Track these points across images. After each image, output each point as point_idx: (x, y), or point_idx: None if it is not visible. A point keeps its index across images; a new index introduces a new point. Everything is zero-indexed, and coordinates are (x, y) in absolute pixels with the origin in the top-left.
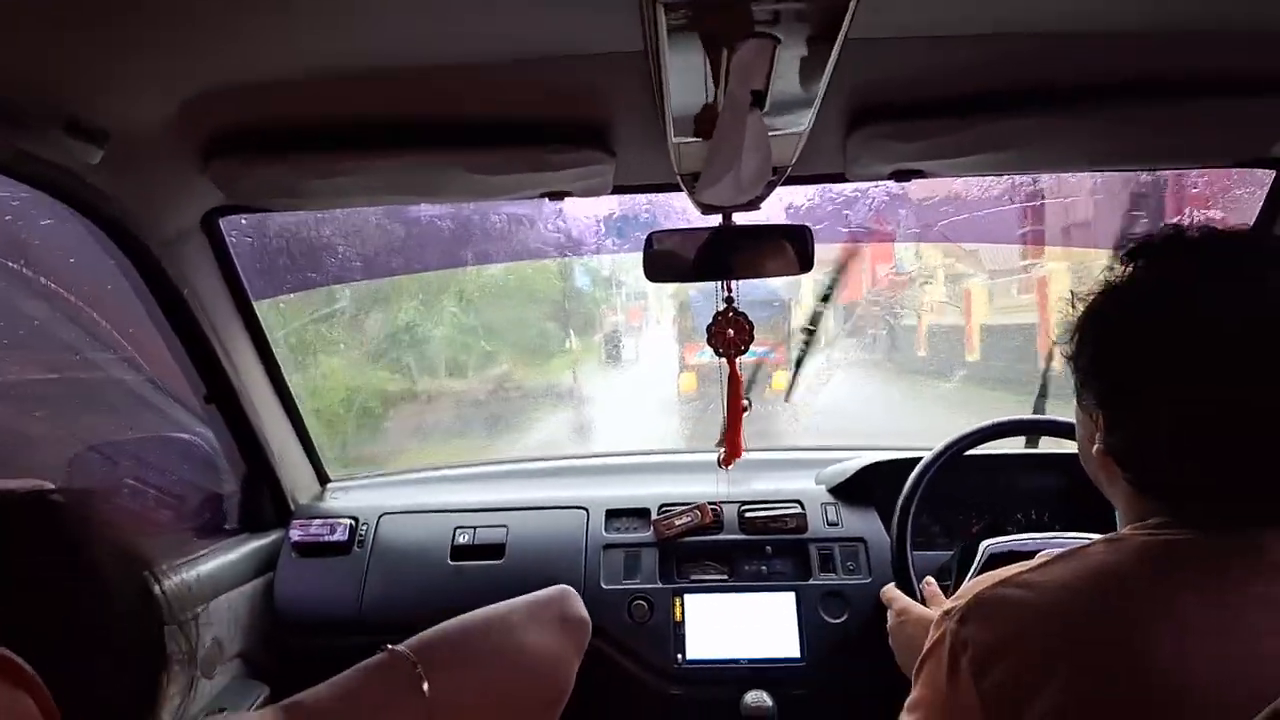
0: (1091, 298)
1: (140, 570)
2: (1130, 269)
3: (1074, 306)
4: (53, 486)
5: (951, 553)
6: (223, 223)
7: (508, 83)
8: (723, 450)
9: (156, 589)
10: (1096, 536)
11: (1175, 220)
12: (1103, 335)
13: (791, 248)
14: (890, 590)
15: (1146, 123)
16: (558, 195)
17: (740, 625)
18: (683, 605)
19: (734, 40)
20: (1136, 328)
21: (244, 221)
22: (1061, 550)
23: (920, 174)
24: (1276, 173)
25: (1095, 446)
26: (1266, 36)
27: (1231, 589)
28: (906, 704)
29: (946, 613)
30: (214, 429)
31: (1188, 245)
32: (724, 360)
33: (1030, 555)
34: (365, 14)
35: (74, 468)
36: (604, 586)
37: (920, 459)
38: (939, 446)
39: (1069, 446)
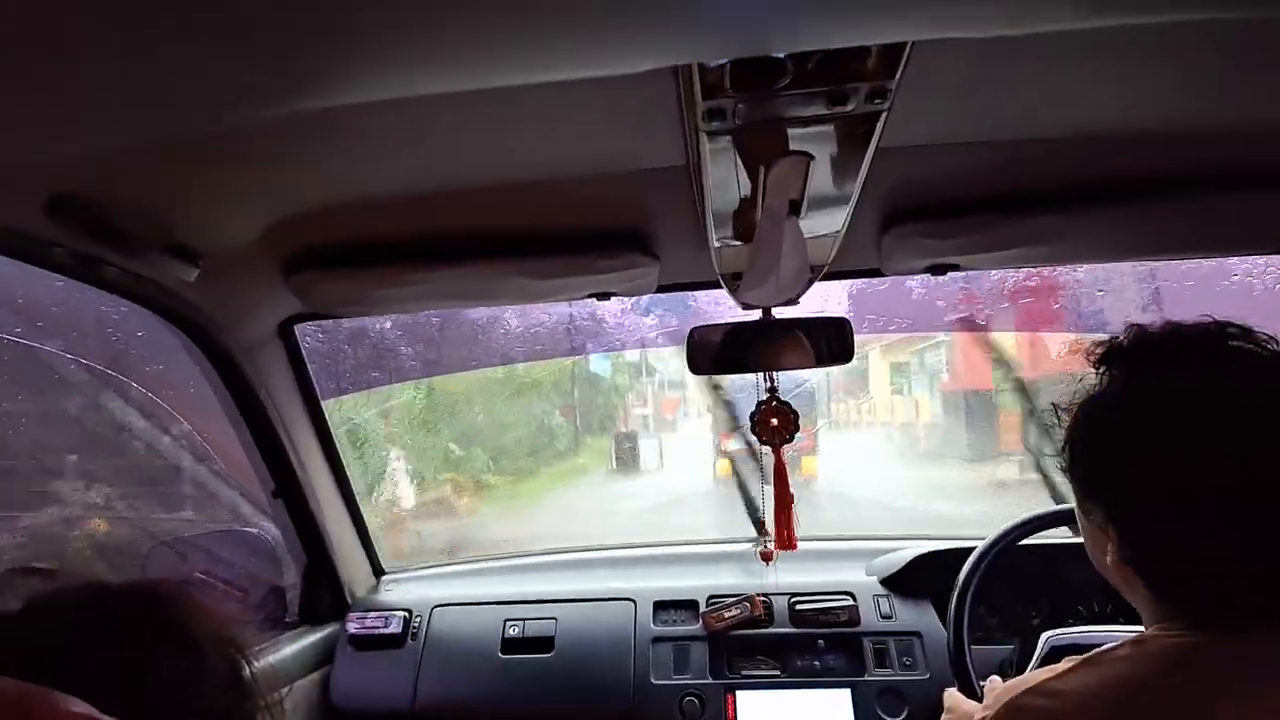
0: (1075, 409)
1: (233, 652)
2: (1105, 376)
3: (1059, 419)
4: (158, 579)
5: (1012, 646)
6: (297, 329)
7: (559, 197)
8: (764, 542)
9: (247, 670)
10: (1125, 636)
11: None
12: (1093, 448)
13: (830, 340)
14: (950, 695)
15: (1174, 215)
16: (604, 296)
17: None
18: (735, 703)
19: (770, 159)
20: (1123, 437)
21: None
22: (1087, 656)
23: (955, 267)
24: None
25: (1109, 558)
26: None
27: (1266, 694)
28: None
29: None
30: (278, 522)
31: (1155, 345)
32: (767, 449)
33: (1093, 648)
34: (431, 145)
35: (149, 562)
36: (654, 681)
37: (973, 549)
38: (993, 536)
39: None
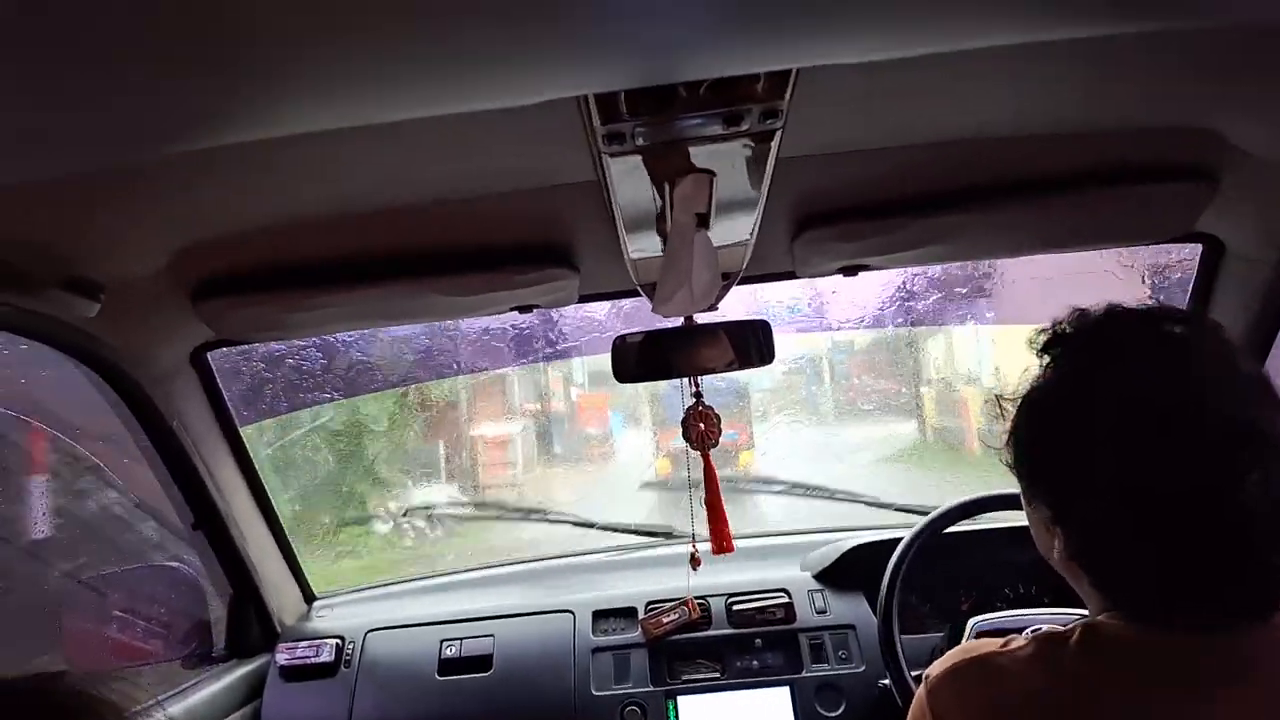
0: (1018, 400)
1: None
2: (1046, 364)
3: (1002, 411)
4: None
5: (942, 634)
6: (210, 356)
7: (473, 215)
8: (695, 548)
9: None
10: (1076, 615)
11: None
12: (1033, 443)
13: (753, 342)
14: None
15: (1074, 210)
16: (526, 308)
17: None
18: (676, 708)
19: (674, 177)
20: (1062, 429)
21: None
22: (1036, 634)
23: (867, 267)
24: (1204, 247)
25: (1055, 553)
26: (1177, 130)
27: (1202, 689)
28: None
29: (925, 677)
30: (200, 554)
31: (1098, 331)
32: (699, 454)
33: (1019, 632)
34: (340, 166)
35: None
36: (595, 693)
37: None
38: (917, 526)
39: None
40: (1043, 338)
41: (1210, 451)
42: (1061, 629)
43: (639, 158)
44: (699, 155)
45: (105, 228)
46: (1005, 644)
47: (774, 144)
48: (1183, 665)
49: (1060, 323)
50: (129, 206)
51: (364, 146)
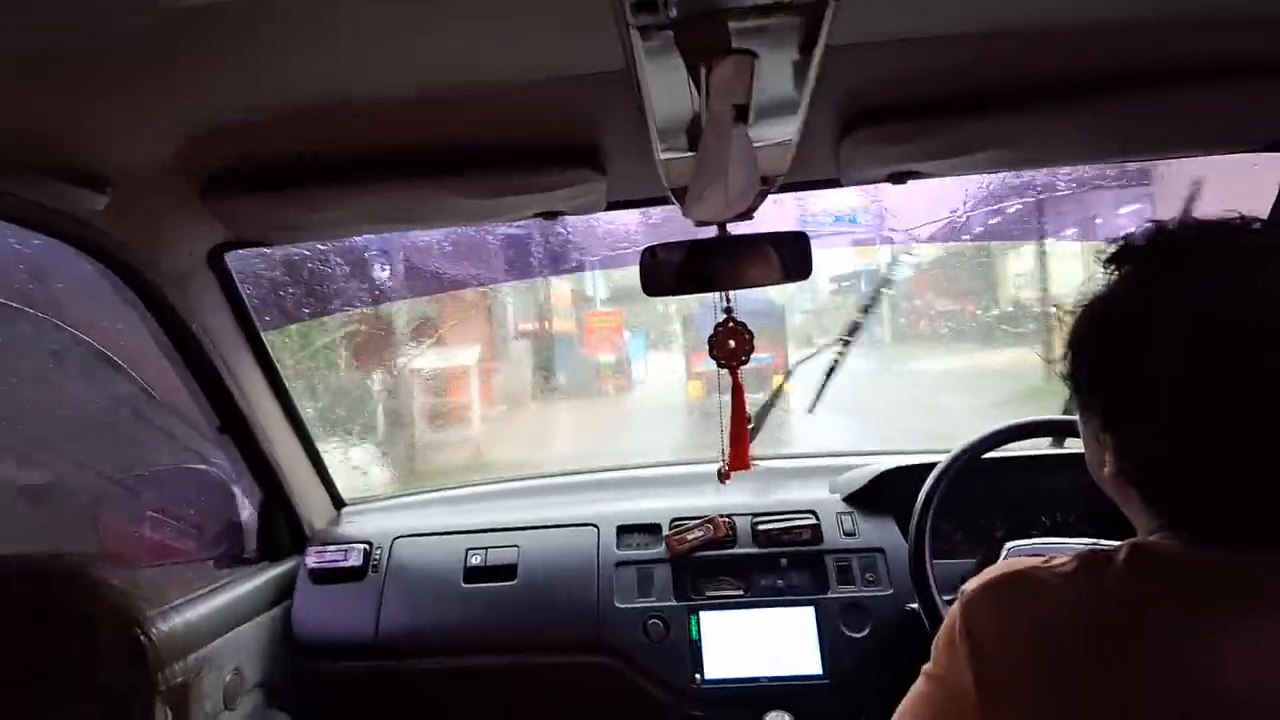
0: (1079, 310)
1: (133, 630)
2: (1115, 276)
3: (1061, 321)
4: (54, 553)
5: (974, 560)
6: (229, 258)
7: (495, 107)
8: (723, 464)
9: (145, 640)
10: (1122, 543)
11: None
12: (1095, 352)
13: (789, 255)
14: None
15: (1149, 113)
16: (551, 215)
17: (759, 642)
18: (699, 623)
19: (712, 58)
20: (1127, 340)
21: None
22: (1084, 552)
23: (917, 175)
24: None
25: (1106, 469)
26: (1265, 24)
27: (1260, 609)
28: (921, 670)
29: (961, 592)
30: (229, 459)
31: (1170, 243)
32: (726, 371)
33: None
34: (352, 48)
35: (96, 501)
36: (618, 605)
37: (937, 464)
38: (955, 450)
39: None
40: (1111, 249)
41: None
42: (1107, 548)
43: (671, 36)
44: (739, 35)
45: (107, 114)
46: (1046, 561)
47: (825, 21)
48: (1238, 585)
49: (1132, 234)
50: (129, 91)
51: (372, 17)
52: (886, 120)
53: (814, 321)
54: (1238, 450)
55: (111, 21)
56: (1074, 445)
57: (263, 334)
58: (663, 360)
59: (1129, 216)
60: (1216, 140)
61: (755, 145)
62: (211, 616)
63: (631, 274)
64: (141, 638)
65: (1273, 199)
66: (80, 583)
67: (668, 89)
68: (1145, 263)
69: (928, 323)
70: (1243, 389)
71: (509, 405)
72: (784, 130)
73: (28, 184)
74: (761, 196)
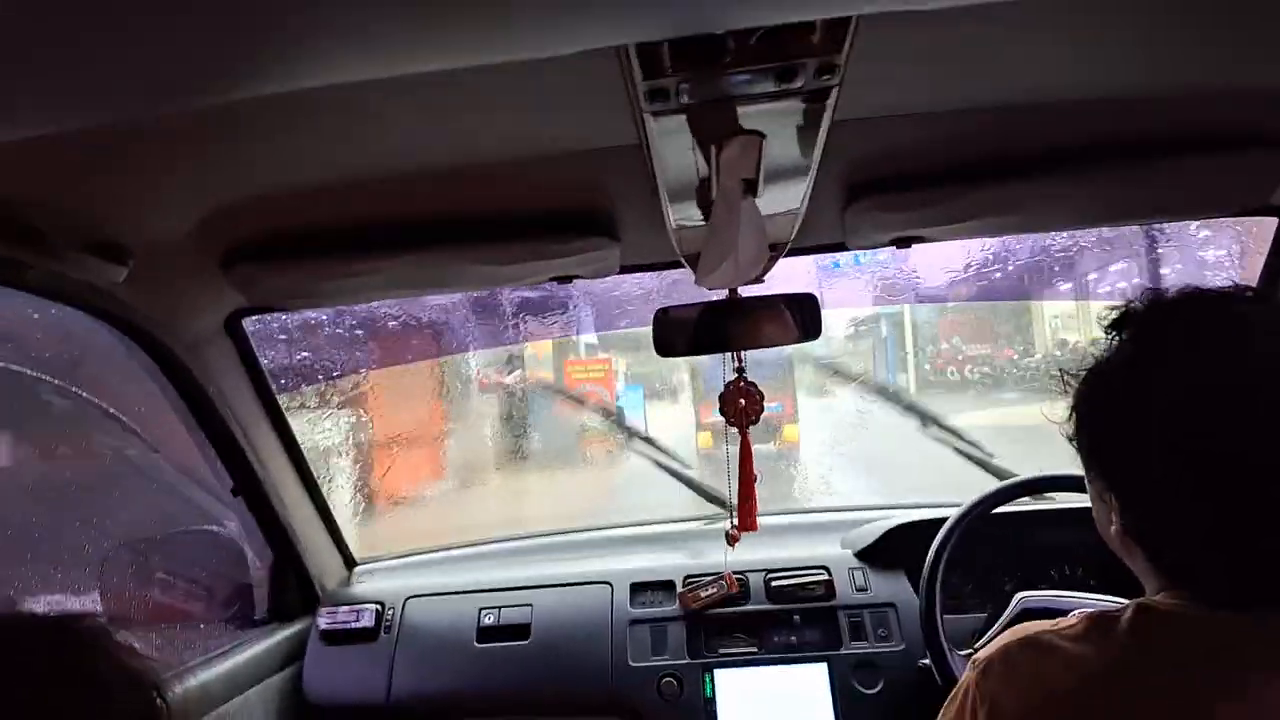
0: (1082, 374)
1: (148, 693)
2: (1115, 341)
3: (1066, 385)
4: (74, 614)
5: (985, 615)
6: (245, 322)
7: (512, 179)
8: (732, 524)
9: (160, 703)
10: (1128, 602)
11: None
12: (1097, 416)
13: (800, 316)
14: None
15: (1138, 180)
16: (566, 279)
17: (773, 700)
18: (713, 681)
19: (721, 139)
20: (1127, 404)
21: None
22: (1092, 612)
23: (920, 239)
24: (1279, 222)
25: (1113, 527)
26: (1246, 94)
27: (1257, 671)
28: None
29: (974, 661)
30: (242, 520)
31: (1169, 310)
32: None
33: (1066, 613)
34: (373, 125)
35: (107, 565)
36: (632, 664)
37: (947, 518)
38: (966, 505)
39: None
40: (1113, 314)
41: (1273, 428)
42: (1113, 608)
43: (683, 118)
44: (748, 117)
45: (130, 190)
46: (1054, 624)
47: (829, 104)
48: (1234, 645)
49: (1131, 301)
50: (154, 168)
51: (399, 107)
52: (889, 189)
53: (827, 369)
54: (1234, 493)
55: None
56: (1083, 500)
57: (278, 396)
58: (666, 413)
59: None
60: (1203, 206)
61: (763, 215)
62: (224, 678)
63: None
64: (157, 700)
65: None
66: (96, 645)
67: (679, 164)
68: (1144, 329)
69: (956, 367)
70: (1234, 448)
71: (462, 480)
72: (791, 200)
73: (49, 255)
74: (771, 262)
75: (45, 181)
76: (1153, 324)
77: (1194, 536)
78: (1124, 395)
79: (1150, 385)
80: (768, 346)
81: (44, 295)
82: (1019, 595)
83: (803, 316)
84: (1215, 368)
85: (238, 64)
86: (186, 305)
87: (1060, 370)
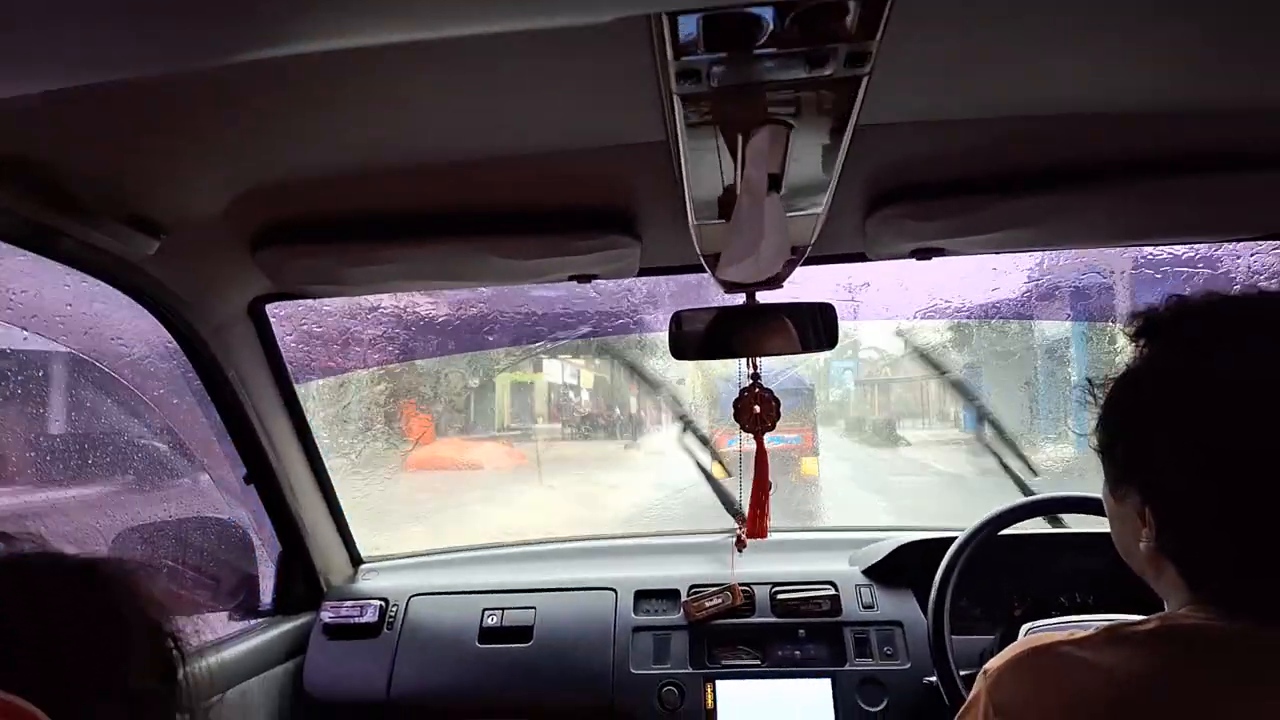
0: (1110, 384)
1: (167, 643)
2: (1143, 350)
3: (1094, 396)
4: (105, 557)
5: (993, 638)
6: (268, 309)
7: (536, 173)
8: (741, 531)
9: (180, 666)
10: (1148, 617)
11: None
12: (1129, 428)
13: (815, 326)
14: None
15: (1168, 199)
16: (585, 278)
17: (774, 713)
18: (715, 692)
19: (749, 127)
20: (1162, 416)
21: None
22: (1113, 624)
23: (941, 252)
24: None
25: (1142, 544)
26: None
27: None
28: None
29: (985, 671)
30: (251, 509)
31: (1195, 315)
32: (751, 437)
33: None
34: (403, 114)
35: (115, 548)
36: (633, 671)
37: (955, 539)
38: (973, 526)
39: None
40: (1138, 322)
41: None
42: (1133, 620)
43: (711, 109)
44: (776, 107)
45: (168, 165)
46: (1068, 635)
47: (858, 98)
48: (1254, 657)
49: (1156, 308)
50: (191, 143)
51: (425, 88)
52: (912, 198)
53: (850, 401)
54: (1268, 517)
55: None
56: (1091, 524)
57: (296, 386)
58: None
59: None
60: (1236, 227)
61: (786, 214)
62: (226, 666)
63: None
64: (173, 650)
65: None
66: (123, 587)
67: (704, 159)
68: (1175, 336)
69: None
70: (1271, 455)
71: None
72: (813, 203)
73: (82, 224)
74: (790, 267)
75: (83, 151)
76: (1184, 330)
77: (1228, 555)
78: (1156, 406)
79: (1183, 395)
80: (782, 354)
81: (76, 265)
82: (1025, 626)
83: (818, 326)
84: (1259, 365)
85: (256, 20)
86: (213, 286)
87: (1088, 380)
